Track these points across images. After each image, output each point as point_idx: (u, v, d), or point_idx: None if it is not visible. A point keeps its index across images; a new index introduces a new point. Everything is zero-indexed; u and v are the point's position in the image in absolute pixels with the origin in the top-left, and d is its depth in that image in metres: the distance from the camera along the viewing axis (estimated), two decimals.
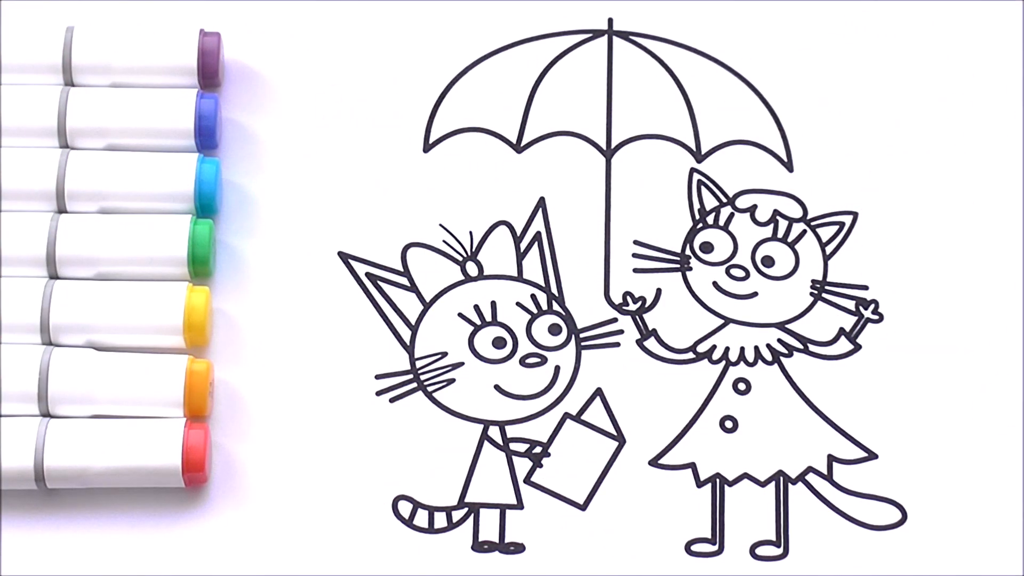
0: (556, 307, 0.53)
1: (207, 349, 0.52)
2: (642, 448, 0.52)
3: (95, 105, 0.52)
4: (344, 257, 0.53)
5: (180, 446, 0.49)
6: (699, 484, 0.51)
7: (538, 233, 0.54)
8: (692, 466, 0.51)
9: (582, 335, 0.53)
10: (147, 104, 0.53)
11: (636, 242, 0.54)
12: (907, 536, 0.51)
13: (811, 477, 0.51)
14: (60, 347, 0.51)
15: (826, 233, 0.54)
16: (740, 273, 0.54)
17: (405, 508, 0.51)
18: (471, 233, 0.54)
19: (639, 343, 0.53)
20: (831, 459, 0.51)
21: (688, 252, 0.54)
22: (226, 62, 0.55)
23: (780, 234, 0.54)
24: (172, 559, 0.50)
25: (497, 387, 0.52)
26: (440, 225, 0.54)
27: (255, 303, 0.53)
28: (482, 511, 0.51)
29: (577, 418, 0.52)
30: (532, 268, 0.53)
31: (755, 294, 0.53)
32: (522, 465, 0.51)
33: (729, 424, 0.52)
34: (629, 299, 0.53)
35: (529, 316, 0.53)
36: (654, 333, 0.53)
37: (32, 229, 0.51)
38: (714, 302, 0.53)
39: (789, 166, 0.54)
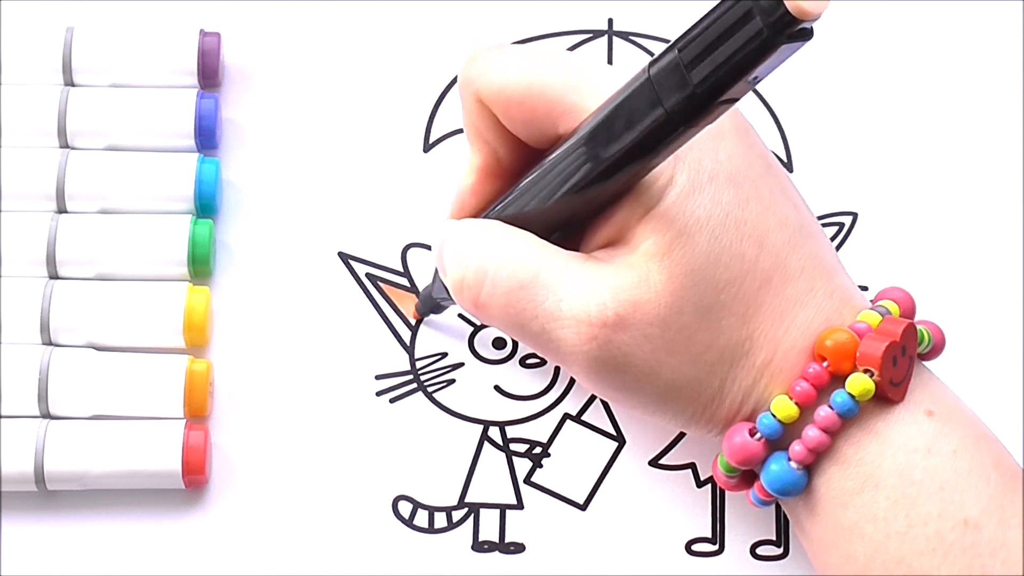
0: None
1: (207, 349, 0.52)
2: (642, 448, 0.52)
3: (95, 105, 0.52)
4: (344, 257, 0.53)
5: (180, 449, 0.49)
6: (699, 484, 0.51)
7: None
8: (692, 466, 0.51)
9: None
10: (147, 104, 0.52)
11: None
12: None
13: None
14: (60, 347, 0.51)
15: (826, 234, 0.54)
16: None
17: (405, 508, 0.51)
18: None
19: None
20: None
21: None
22: (226, 62, 0.55)
23: None
24: (172, 559, 0.50)
25: (497, 387, 0.52)
26: None
27: (255, 303, 0.53)
28: (482, 511, 0.51)
29: (577, 418, 0.52)
30: None
31: None
32: (522, 465, 0.51)
33: None
34: None
35: None
36: None
37: (32, 229, 0.51)
38: None
39: (789, 167, 0.54)
